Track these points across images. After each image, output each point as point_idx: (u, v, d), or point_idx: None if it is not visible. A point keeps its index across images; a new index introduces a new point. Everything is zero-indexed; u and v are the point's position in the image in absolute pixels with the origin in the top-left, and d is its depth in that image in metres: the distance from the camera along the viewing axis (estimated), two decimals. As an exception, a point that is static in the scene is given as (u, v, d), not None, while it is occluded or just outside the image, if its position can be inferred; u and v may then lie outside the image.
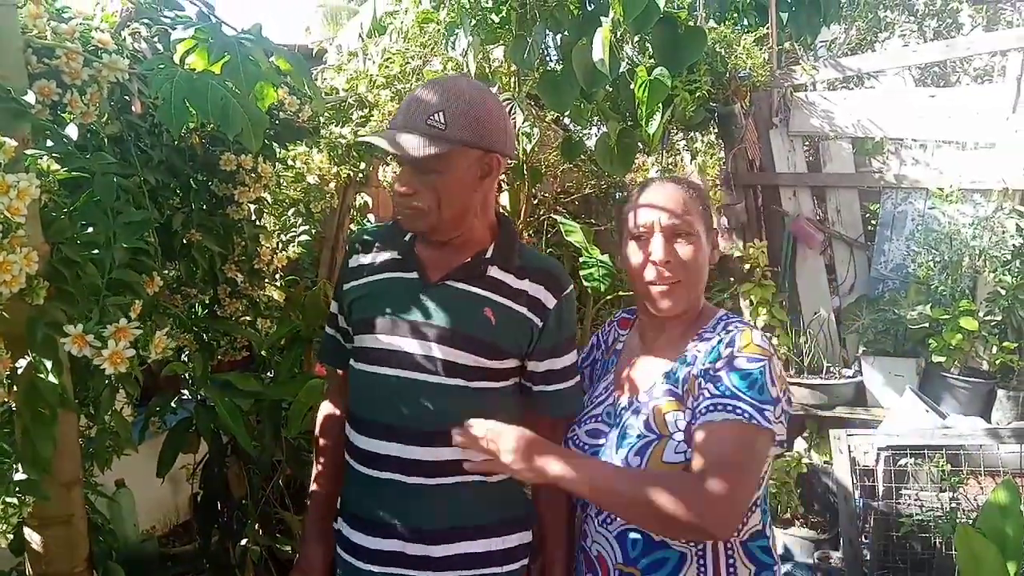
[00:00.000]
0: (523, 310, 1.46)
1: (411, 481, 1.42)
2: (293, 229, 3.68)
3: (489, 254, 1.48)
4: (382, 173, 4.01)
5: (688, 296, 1.40)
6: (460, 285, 1.46)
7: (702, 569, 1.30)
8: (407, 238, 1.52)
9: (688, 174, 4.50)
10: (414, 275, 1.48)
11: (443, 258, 1.48)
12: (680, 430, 1.30)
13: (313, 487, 1.66)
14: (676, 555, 1.30)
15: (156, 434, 2.35)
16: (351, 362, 1.54)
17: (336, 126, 3.19)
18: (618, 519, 1.35)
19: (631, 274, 1.45)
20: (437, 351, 1.42)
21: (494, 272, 1.47)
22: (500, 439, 1.28)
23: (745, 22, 4.66)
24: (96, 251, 1.27)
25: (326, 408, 1.69)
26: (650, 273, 1.39)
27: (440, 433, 1.40)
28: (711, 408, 1.24)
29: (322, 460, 1.67)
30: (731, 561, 1.30)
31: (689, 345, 1.39)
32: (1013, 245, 3.08)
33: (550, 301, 1.47)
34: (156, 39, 2.03)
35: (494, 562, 1.46)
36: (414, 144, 1.33)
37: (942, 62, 5.68)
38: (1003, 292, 3.11)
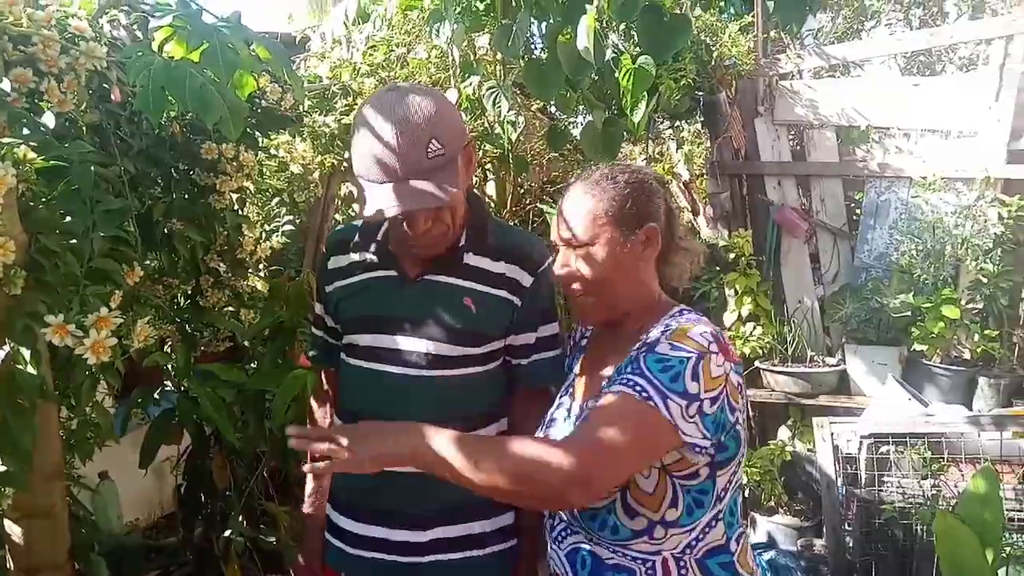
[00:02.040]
0: (501, 292, 1.49)
1: (397, 469, 1.44)
2: (277, 219, 3.66)
3: (463, 241, 1.49)
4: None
5: (603, 305, 1.32)
6: (438, 278, 1.48)
7: None
8: (380, 236, 1.53)
9: (675, 163, 4.50)
10: (393, 273, 1.50)
11: (418, 252, 1.50)
12: None
13: (308, 484, 1.68)
14: (625, 574, 1.24)
15: (139, 426, 2.34)
16: (343, 356, 1.57)
17: (320, 115, 3.17)
18: (569, 538, 1.31)
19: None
20: (423, 346, 1.46)
21: (469, 259, 1.49)
22: (342, 445, 1.15)
23: (731, 10, 4.65)
24: (74, 240, 1.25)
25: (319, 403, 1.71)
26: (563, 287, 1.36)
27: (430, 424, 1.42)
28: (614, 381, 1.19)
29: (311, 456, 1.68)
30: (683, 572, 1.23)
31: (636, 343, 1.29)
32: (995, 233, 3.10)
33: (526, 279, 1.49)
34: (135, 27, 2.00)
35: (478, 544, 1.49)
36: (434, 188, 1.29)
37: (928, 51, 5.70)
38: (984, 280, 3.14)
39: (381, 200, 1.29)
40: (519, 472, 1.09)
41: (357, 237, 1.57)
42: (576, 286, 1.31)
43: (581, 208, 1.30)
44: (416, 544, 1.47)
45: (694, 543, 1.24)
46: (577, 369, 1.46)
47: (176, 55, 1.42)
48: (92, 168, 1.26)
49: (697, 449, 1.18)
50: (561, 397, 1.46)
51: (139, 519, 3.14)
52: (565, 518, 1.32)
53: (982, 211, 3.15)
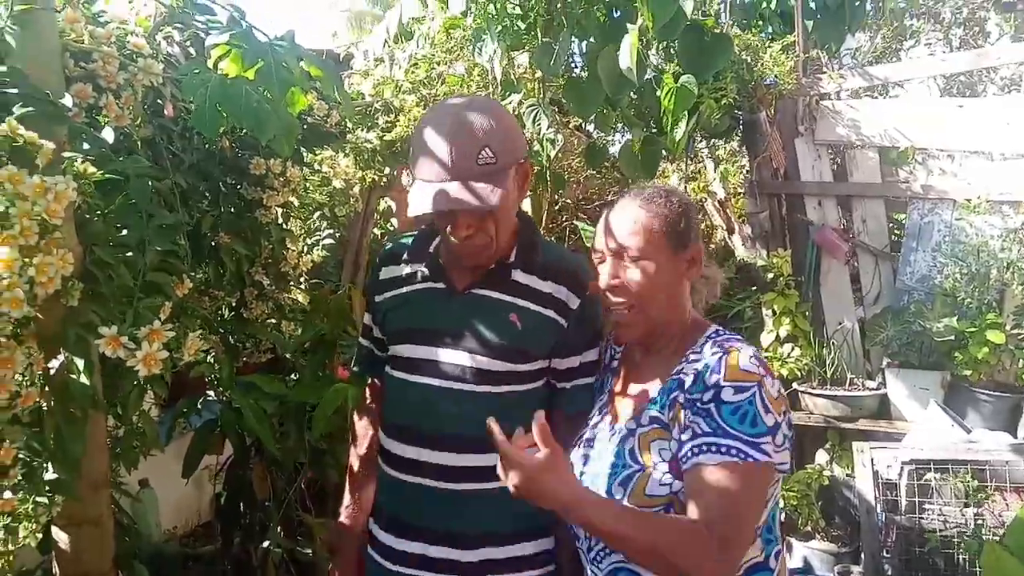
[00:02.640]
0: (548, 312, 1.48)
1: (442, 486, 1.46)
2: (318, 232, 3.71)
3: (512, 258, 1.49)
4: (406, 177, 4.03)
5: (644, 320, 1.32)
6: (485, 292, 1.48)
7: None
8: (432, 249, 1.54)
9: (710, 181, 4.48)
10: (442, 285, 1.50)
11: (468, 266, 1.50)
12: (664, 460, 1.25)
13: (345, 496, 1.68)
14: None
15: (180, 435, 2.37)
16: (387, 369, 1.57)
17: (362, 131, 3.22)
18: (608, 558, 1.31)
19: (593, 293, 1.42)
20: (466, 359, 1.45)
21: (518, 276, 1.49)
22: (509, 470, 1.21)
23: (769, 29, 4.63)
24: (129, 253, 1.28)
25: (362, 416, 1.73)
26: (604, 299, 1.36)
27: (470, 439, 1.42)
28: (703, 448, 1.19)
29: (352, 468, 1.70)
30: None
31: (677, 367, 1.31)
32: (1042, 258, 3.04)
33: (573, 301, 1.48)
34: (189, 43, 2.05)
35: (518, 567, 1.48)
36: (483, 193, 1.30)
37: (968, 71, 5.61)
38: (1031, 305, 3.07)
39: (426, 198, 1.31)
40: (671, 563, 1.15)
41: (409, 249, 1.58)
42: (621, 299, 1.32)
43: (636, 222, 1.31)
44: (460, 563, 1.46)
45: None
46: (615, 388, 1.46)
47: (230, 72, 1.45)
48: (148, 183, 1.29)
49: (779, 470, 1.23)
50: (597, 417, 1.45)
51: (176, 527, 3.18)
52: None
53: (1030, 235, 3.09)
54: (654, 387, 1.34)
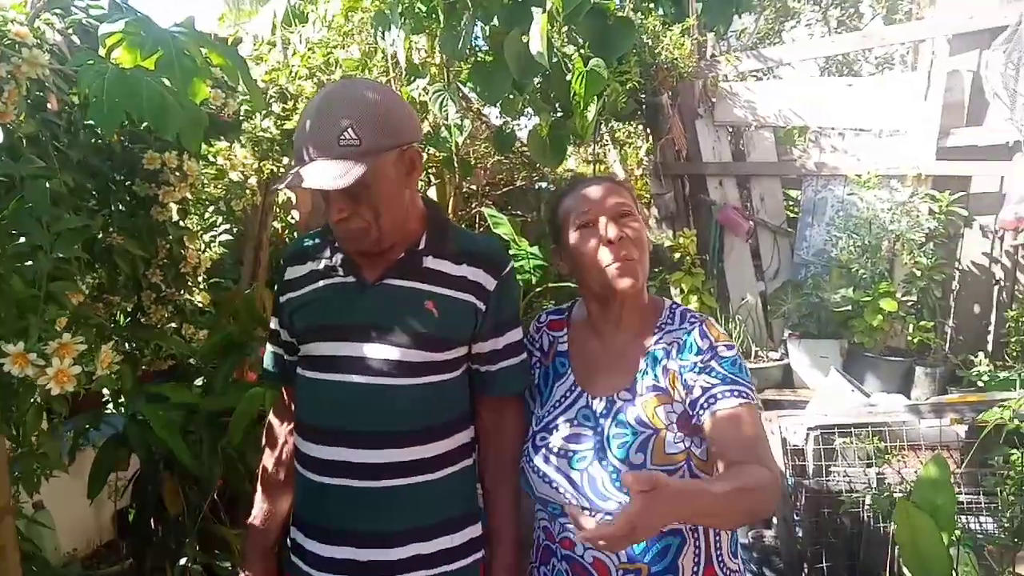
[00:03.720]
0: (466, 296, 1.43)
1: (361, 485, 1.39)
2: (214, 228, 3.52)
3: (422, 245, 1.44)
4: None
5: (643, 273, 1.41)
6: (398, 282, 1.42)
7: (697, 546, 1.34)
8: (338, 243, 1.47)
9: (611, 164, 4.54)
10: (351, 279, 1.44)
11: (377, 257, 1.45)
12: (673, 423, 1.32)
13: (257, 503, 1.60)
14: (678, 540, 1.33)
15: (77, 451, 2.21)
16: (299, 371, 1.49)
17: (259, 119, 3.07)
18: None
19: (583, 262, 1.42)
20: (383, 352, 1.39)
21: (430, 262, 1.44)
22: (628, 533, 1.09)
23: (660, 11, 4.71)
24: (29, 262, 1.15)
25: (275, 420, 1.62)
26: (606, 256, 1.39)
27: (392, 435, 1.37)
28: (724, 394, 1.29)
29: (266, 475, 1.60)
30: (716, 534, 1.37)
31: (653, 338, 1.40)
32: (928, 228, 3.22)
33: (490, 283, 1.45)
34: (71, 31, 1.89)
35: (446, 560, 1.44)
36: (338, 172, 1.26)
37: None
38: (919, 273, 3.26)
39: (288, 178, 1.30)
40: (760, 507, 1.23)
41: (314, 246, 1.51)
42: (629, 251, 1.39)
43: (615, 189, 1.45)
44: (389, 563, 1.41)
45: None
46: (580, 368, 1.47)
47: (126, 62, 1.33)
48: (46, 184, 1.17)
49: None
50: (568, 397, 1.45)
51: (76, 549, 2.97)
52: (615, 507, 1.30)
53: (915, 207, 3.27)
54: (638, 358, 1.40)
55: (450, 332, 1.42)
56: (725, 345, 1.34)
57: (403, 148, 1.36)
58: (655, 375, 1.37)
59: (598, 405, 1.40)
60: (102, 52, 1.38)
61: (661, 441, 1.31)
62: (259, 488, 1.60)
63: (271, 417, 1.64)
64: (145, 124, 1.54)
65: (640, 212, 1.46)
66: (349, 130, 1.27)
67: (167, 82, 1.30)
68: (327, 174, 1.25)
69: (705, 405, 1.29)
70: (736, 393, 1.28)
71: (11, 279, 1.20)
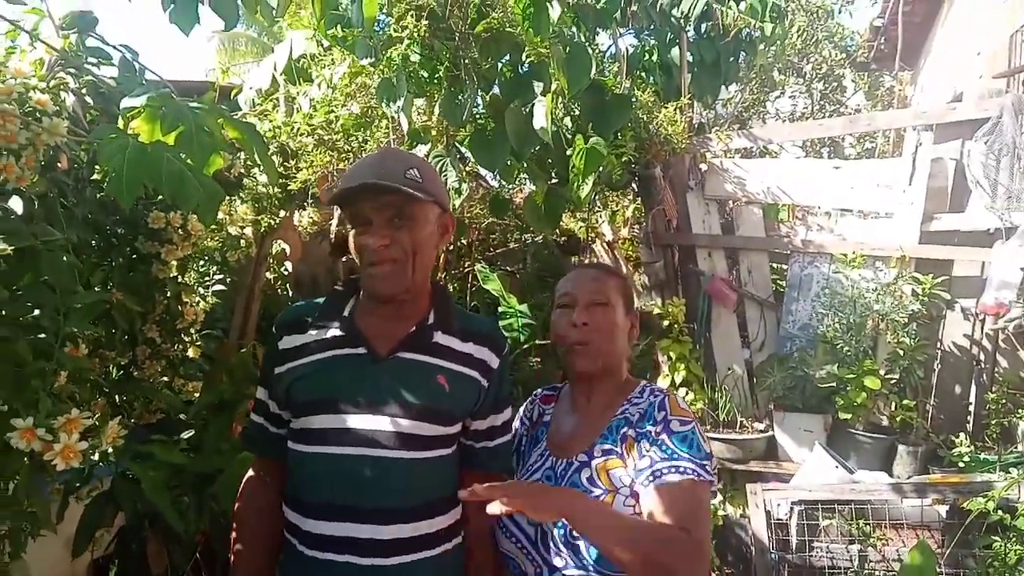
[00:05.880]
0: (472, 373, 1.47)
1: (366, 563, 1.37)
2: (207, 279, 3.53)
3: (431, 320, 1.47)
4: (298, 218, 3.92)
5: (602, 355, 1.54)
6: (411, 356, 1.44)
7: None
8: (347, 313, 1.49)
9: (599, 223, 4.62)
10: (362, 350, 1.44)
11: (387, 329, 1.46)
12: (625, 485, 1.40)
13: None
14: None
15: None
16: (292, 445, 1.45)
17: (258, 175, 3.11)
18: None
19: (556, 338, 1.59)
20: (397, 425, 1.39)
21: (439, 338, 1.47)
22: (516, 496, 1.30)
23: (652, 79, 4.84)
24: (42, 335, 1.16)
25: (248, 496, 1.56)
26: (568, 337, 1.54)
27: (400, 510, 1.37)
28: (666, 471, 1.37)
29: (243, 548, 1.53)
30: None
31: (620, 408, 1.52)
32: (911, 309, 3.29)
33: (494, 361, 1.50)
34: (84, 91, 1.93)
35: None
36: (408, 186, 1.36)
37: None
38: (902, 353, 3.32)
39: (353, 188, 1.36)
40: (665, 559, 1.27)
41: (317, 314, 1.51)
42: (588, 337, 1.53)
43: (602, 279, 1.59)
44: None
45: None
46: (554, 434, 1.59)
47: (141, 132, 1.36)
48: (63, 256, 1.18)
49: (713, 490, 1.47)
50: (539, 460, 1.55)
51: (47, 602, 2.90)
52: (562, 563, 1.39)
53: (899, 288, 3.34)
54: (601, 426, 1.51)
55: (456, 407, 1.45)
56: (679, 420, 1.43)
57: (442, 211, 1.47)
58: (614, 440, 1.47)
59: (559, 467, 1.49)
60: (120, 122, 1.42)
61: (610, 502, 1.39)
62: (234, 560, 1.53)
63: (246, 491, 1.57)
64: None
65: (629, 302, 1.62)
66: (414, 171, 1.39)
67: (185, 156, 1.34)
68: (395, 180, 1.35)
69: (649, 479, 1.37)
70: (678, 470, 1.36)
71: (18, 343, 1.21)
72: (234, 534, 1.55)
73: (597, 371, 1.55)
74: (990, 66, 5.24)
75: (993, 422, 3.31)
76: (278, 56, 3.26)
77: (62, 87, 1.75)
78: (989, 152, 3.22)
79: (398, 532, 1.37)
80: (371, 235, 1.38)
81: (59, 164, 1.75)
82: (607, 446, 1.46)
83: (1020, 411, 3.26)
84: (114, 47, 2.08)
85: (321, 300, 1.54)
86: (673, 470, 1.36)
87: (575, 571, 1.38)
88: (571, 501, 1.32)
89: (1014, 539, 2.51)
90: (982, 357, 3.45)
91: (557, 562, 1.39)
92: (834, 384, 3.36)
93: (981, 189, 3.27)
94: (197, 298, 2.75)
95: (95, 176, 1.89)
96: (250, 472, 1.59)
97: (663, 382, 3.74)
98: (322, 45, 3.24)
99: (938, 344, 3.50)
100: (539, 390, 1.74)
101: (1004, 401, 3.32)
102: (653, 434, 1.41)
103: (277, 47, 3.38)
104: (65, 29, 1.85)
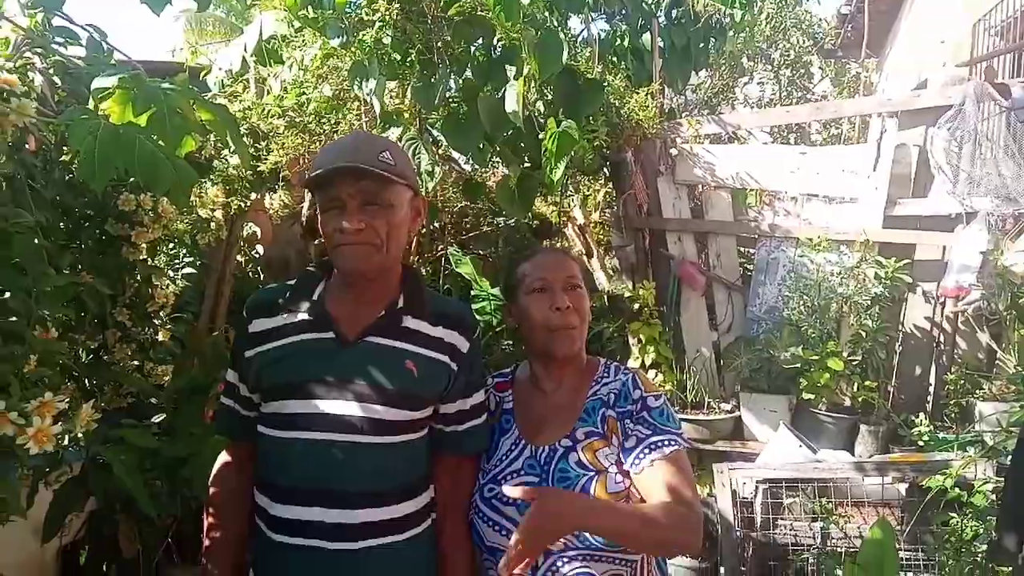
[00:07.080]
0: (442, 357, 1.48)
1: (334, 547, 1.38)
2: (177, 262, 3.50)
3: (400, 304, 1.48)
4: (268, 201, 3.89)
5: (580, 339, 1.58)
6: (379, 340, 1.45)
7: None
8: (316, 296, 1.49)
9: (571, 208, 4.64)
10: (330, 334, 1.45)
11: (356, 314, 1.47)
12: (612, 464, 1.46)
13: (207, 563, 1.54)
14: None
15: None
16: (262, 429, 1.46)
17: (229, 157, 3.09)
18: (566, 566, 1.42)
19: (532, 324, 1.57)
20: (365, 410, 1.39)
21: (409, 322, 1.48)
22: (533, 538, 1.29)
23: (624, 64, 4.87)
24: (13, 318, 1.16)
25: (221, 480, 1.58)
26: (552, 321, 1.55)
27: (367, 494, 1.38)
28: (653, 446, 1.45)
29: (217, 533, 1.55)
30: (650, 572, 1.48)
31: (591, 389, 1.57)
32: (874, 292, 3.37)
33: (464, 345, 1.51)
34: (51, 71, 1.91)
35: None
36: (382, 168, 1.38)
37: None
38: (864, 335, 3.40)
39: (328, 171, 1.38)
40: (672, 538, 1.36)
41: (287, 298, 1.51)
42: (574, 318, 1.56)
43: (569, 263, 1.64)
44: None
45: None
46: (523, 421, 1.59)
47: (116, 117, 1.36)
48: (35, 239, 1.18)
49: None
50: (514, 449, 1.55)
51: (15, 588, 2.88)
52: (559, 548, 1.42)
53: (863, 271, 3.42)
54: (575, 410, 1.54)
55: (425, 391, 1.46)
56: (653, 396, 1.51)
57: (414, 194, 1.49)
58: (594, 422, 1.51)
59: (541, 454, 1.51)
60: (90, 103, 1.41)
61: (603, 482, 1.43)
62: (206, 543, 1.55)
63: (219, 475, 1.59)
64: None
65: (587, 284, 1.70)
66: (387, 153, 1.41)
67: (157, 138, 1.33)
68: (370, 163, 1.37)
69: (640, 456, 1.44)
70: (667, 443, 1.45)
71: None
72: (207, 518, 1.57)
73: (575, 353, 1.58)
74: (954, 54, 5.36)
75: (952, 402, 3.41)
76: (248, 37, 3.22)
77: (29, 67, 1.72)
78: (952, 139, 3.30)
79: (366, 516, 1.39)
80: (345, 218, 1.39)
81: (27, 145, 1.73)
82: (588, 428, 1.50)
83: (978, 392, 3.36)
84: (81, 27, 2.06)
85: (292, 283, 1.54)
86: (663, 444, 1.44)
87: (575, 551, 1.42)
88: (583, 517, 1.33)
89: (970, 515, 2.60)
90: (942, 339, 3.55)
91: (554, 547, 1.41)
92: (799, 366, 3.44)
93: (943, 175, 3.35)
94: (167, 281, 2.73)
95: (64, 157, 1.88)
96: (222, 456, 1.60)
97: (633, 364, 3.80)
98: (293, 26, 3.21)
99: (900, 326, 3.59)
100: (488, 378, 1.70)
101: (963, 382, 3.42)
102: (634, 412, 1.49)
103: (247, 28, 3.34)
104: (31, 8, 1.82)
